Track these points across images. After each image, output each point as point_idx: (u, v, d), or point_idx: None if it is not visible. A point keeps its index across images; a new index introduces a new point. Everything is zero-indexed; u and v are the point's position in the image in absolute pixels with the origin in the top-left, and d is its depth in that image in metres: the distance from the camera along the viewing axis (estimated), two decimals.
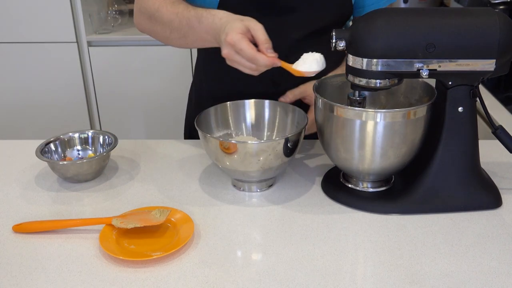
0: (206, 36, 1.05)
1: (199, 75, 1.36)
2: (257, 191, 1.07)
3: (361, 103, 1.00)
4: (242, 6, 1.17)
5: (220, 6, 1.16)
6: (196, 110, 1.25)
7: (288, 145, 1.00)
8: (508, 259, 0.87)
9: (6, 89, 2.67)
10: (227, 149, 0.98)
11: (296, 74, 1.00)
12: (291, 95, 1.17)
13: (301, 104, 1.17)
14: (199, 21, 1.04)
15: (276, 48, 1.19)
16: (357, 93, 0.99)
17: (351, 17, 1.25)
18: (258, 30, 0.96)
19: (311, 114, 1.12)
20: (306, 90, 1.18)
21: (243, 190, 1.07)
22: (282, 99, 1.16)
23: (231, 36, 0.94)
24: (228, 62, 0.99)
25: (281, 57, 1.17)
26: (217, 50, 1.25)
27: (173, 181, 1.12)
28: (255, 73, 0.99)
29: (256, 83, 1.13)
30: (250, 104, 1.15)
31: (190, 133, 1.39)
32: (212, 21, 1.02)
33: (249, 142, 0.98)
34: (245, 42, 0.94)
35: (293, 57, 1.14)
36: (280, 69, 1.10)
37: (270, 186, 1.08)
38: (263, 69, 0.98)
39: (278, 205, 1.02)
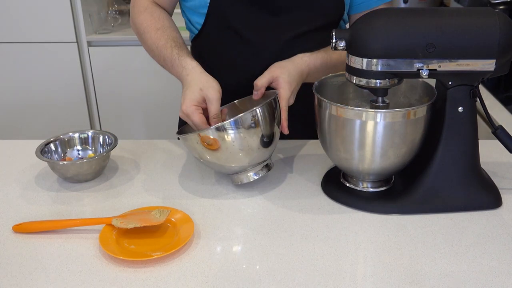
0: (177, 78, 1.12)
1: None
2: (254, 178, 1.05)
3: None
4: (234, 6, 1.17)
5: (212, 5, 1.17)
6: None
7: (253, 119, 0.98)
8: (508, 259, 0.87)
9: (6, 89, 2.67)
10: (209, 145, 0.99)
11: None
12: (260, 83, 1.11)
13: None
14: (171, 65, 1.12)
15: (268, 48, 1.19)
16: (380, 99, 0.99)
17: (344, 17, 1.25)
18: (213, 102, 1.02)
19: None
20: (273, 72, 1.12)
21: (241, 184, 1.06)
22: (255, 95, 1.12)
23: (185, 107, 1.02)
24: None
25: (273, 56, 1.17)
26: (210, 53, 1.27)
27: (173, 181, 1.12)
28: None
29: (250, 83, 1.13)
30: (228, 110, 1.13)
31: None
32: (180, 72, 1.09)
33: (216, 126, 0.97)
34: (196, 116, 1.01)
35: (284, 57, 1.14)
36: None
37: (268, 169, 1.06)
38: None
39: (278, 205, 1.02)
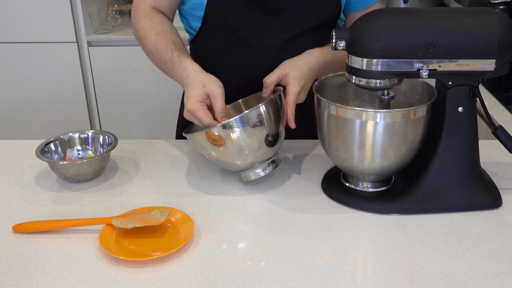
0: (177, 81, 1.13)
1: None
2: (262, 174, 1.05)
3: (389, 103, 1.01)
4: (231, 7, 1.17)
5: (209, 5, 1.17)
6: None
7: (259, 117, 0.99)
8: (508, 259, 0.87)
9: (6, 89, 2.67)
10: (215, 141, 0.99)
11: None
12: (269, 80, 1.10)
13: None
14: (172, 67, 1.12)
15: (266, 48, 1.19)
16: (386, 92, 1.00)
17: (340, 16, 1.25)
18: (217, 97, 1.01)
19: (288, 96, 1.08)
20: (282, 69, 1.11)
21: (247, 181, 1.07)
22: (265, 93, 1.11)
23: (190, 104, 1.01)
24: None
25: (271, 56, 1.17)
26: (208, 54, 1.26)
27: (173, 181, 1.12)
28: None
29: (248, 83, 1.13)
30: (232, 109, 1.16)
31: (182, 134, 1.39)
32: (181, 74, 1.09)
33: (217, 125, 0.98)
34: (201, 112, 1.00)
35: (281, 57, 1.14)
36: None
37: (275, 165, 1.07)
38: None
39: (278, 205, 1.02)
